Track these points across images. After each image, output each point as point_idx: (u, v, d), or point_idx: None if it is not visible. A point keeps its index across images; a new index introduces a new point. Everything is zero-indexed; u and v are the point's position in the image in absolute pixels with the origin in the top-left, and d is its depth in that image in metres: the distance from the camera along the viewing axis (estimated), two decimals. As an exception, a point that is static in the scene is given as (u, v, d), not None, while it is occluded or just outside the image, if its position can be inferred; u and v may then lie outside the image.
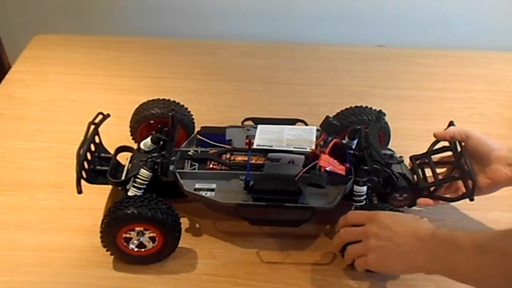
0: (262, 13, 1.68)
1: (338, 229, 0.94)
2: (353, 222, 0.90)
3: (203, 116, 1.20)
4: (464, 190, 0.97)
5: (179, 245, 0.97)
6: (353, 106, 1.14)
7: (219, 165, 1.02)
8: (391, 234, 0.83)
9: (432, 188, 1.01)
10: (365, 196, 0.98)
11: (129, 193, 0.97)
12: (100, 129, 1.04)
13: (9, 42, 1.79)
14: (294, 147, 0.98)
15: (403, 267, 0.83)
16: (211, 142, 1.07)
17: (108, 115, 1.05)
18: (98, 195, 1.07)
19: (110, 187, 1.06)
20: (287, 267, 0.98)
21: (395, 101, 1.40)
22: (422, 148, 1.09)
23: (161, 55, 1.57)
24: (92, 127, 1.02)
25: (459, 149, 1.01)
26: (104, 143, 1.07)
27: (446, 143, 1.05)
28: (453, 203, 1.04)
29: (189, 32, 1.71)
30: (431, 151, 1.06)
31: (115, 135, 1.10)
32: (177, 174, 0.99)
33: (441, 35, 1.69)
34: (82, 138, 1.00)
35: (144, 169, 0.97)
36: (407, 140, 1.22)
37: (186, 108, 1.15)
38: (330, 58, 1.59)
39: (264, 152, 1.01)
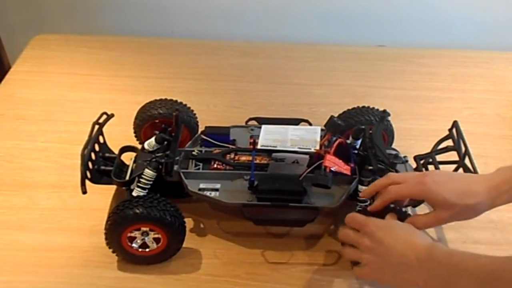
0: (262, 13, 1.68)
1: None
2: (350, 226, 0.89)
3: (204, 116, 1.19)
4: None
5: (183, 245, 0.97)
6: (355, 106, 1.14)
7: (224, 165, 1.02)
8: (386, 250, 0.81)
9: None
10: (369, 196, 0.97)
11: (134, 193, 0.97)
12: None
13: (9, 42, 1.78)
14: (299, 147, 0.98)
15: (401, 284, 0.81)
16: (215, 142, 1.06)
17: (112, 115, 1.05)
18: (98, 195, 1.07)
19: (110, 187, 1.06)
20: (288, 267, 0.98)
21: (395, 101, 1.40)
22: (422, 148, 1.10)
23: (161, 55, 1.57)
24: (96, 127, 1.02)
25: (463, 148, 1.01)
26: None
27: (450, 143, 1.05)
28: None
29: (189, 32, 1.71)
30: (435, 151, 1.06)
31: (116, 135, 1.10)
32: (182, 174, 0.99)
33: (441, 35, 1.69)
34: (84, 138, 1.01)
35: (149, 169, 0.97)
36: (407, 140, 1.23)
37: (192, 110, 1.16)
38: (330, 58, 1.59)
39: (268, 152, 1.01)
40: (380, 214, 0.89)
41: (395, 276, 0.81)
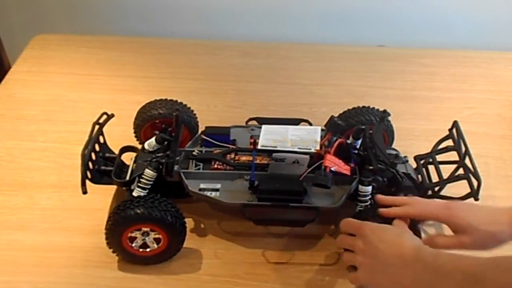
0: (262, 13, 1.68)
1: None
2: (346, 231, 0.89)
3: (204, 116, 1.19)
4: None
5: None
6: (355, 106, 1.14)
7: (224, 165, 1.02)
8: (376, 252, 0.81)
9: (436, 188, 1.01)
10: (370, 196, 0.97)
11: (134, 193, 0.97)
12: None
13: (9, 42, 1.78)
14: (299, 148, 0.98)
15: (390, 285, 0.81)
16: (216, 142, 1.06)
17: (113, 115, 1.05)
18: (98, 195, 1.06)
19: (110, 187, 1.06)
20: (288, 267, 0.98)
21: (395, 101, 1.40)
22: (422, 148, 1.10)
23: (161, 55, 1.57)
24: (97, 127, 1.02)
25: (463, 148, 1.01)
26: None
27: (450, 143, 1.05)
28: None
29: (189, 32, 1.71)
30: (435, 151, 1.06)
31: (116, 135, 1.10)
32: (182, 174, 0.99)
33: (441, 35, 1.69)
34: (84, 138, 1.01)
35: (149, 169, 0.97)
36: (408, 140, 1.23)
37: (192, 110, 1.16)
38: (330, 58, 1.59)
39: (268, 152, 1.01)
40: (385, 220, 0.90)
41: (386, 277, 0.81)
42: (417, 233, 0.90)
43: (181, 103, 1.14)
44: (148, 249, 0.94)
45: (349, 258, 0.88)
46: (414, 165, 1.07)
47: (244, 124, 1.13)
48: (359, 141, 1.04)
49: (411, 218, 0.89)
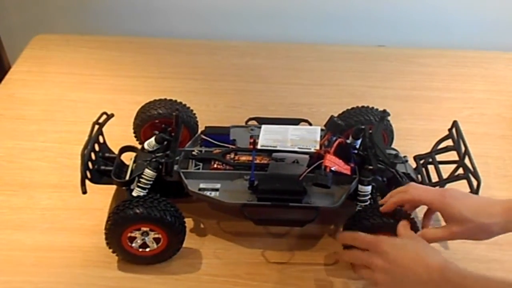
0: (262, 13, 1.68)
1: (340, 241, 0.94)
2: (358, 246, 0.88)
3: (204, 116, 1.20)
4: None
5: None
6: (355, 106, 1.14)
7: (224, 165, 1.02)
8: (398, 270, 0.80)
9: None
10: (369, 196, 0.97)
11: (134, 193, 0.97)
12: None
13: (9, 42, 1.78)
14: (299, 147, 0.98)
15: None
16: (215, 142, 1.06)
17: (112, 115, 1.05)
18: (98, 195, 1.07)
19: (110, 187, 1.06)
20: (288, 267, 0.98)
21: (395, 101, 1.40)
22: (422, 148, 1.10)
23: (161, 55, 1.57)
24: (96, 127, 1.02)
25: (463, 148, 1.01)
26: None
27: (450, 143, 1.05)
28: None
29: (189, 32, 1.71)
30: (434, 151, 1.06)
31: (115, 135, 1.10)
32: (182, 174, 0.99)
33: (441, 35, 1.69)
34: (84, 138, 1.01)
35: (149, 169, 0.97)
36: (407, 140, 1.23)
37: (192, 110, 1.16)
38: (330, 58, 1.59)
39: (268, 152, 1.01)
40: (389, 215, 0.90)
41: None
42: (413, 224, 0.91)
43: (180, 102, 1.14)
44: (147, 249, 0.94)
45: (367, 275, 0.86)
46: (414, 165, 1.07)
47: (244, 124, 1.14)
48: (359, 141, 1.04)
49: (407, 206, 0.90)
